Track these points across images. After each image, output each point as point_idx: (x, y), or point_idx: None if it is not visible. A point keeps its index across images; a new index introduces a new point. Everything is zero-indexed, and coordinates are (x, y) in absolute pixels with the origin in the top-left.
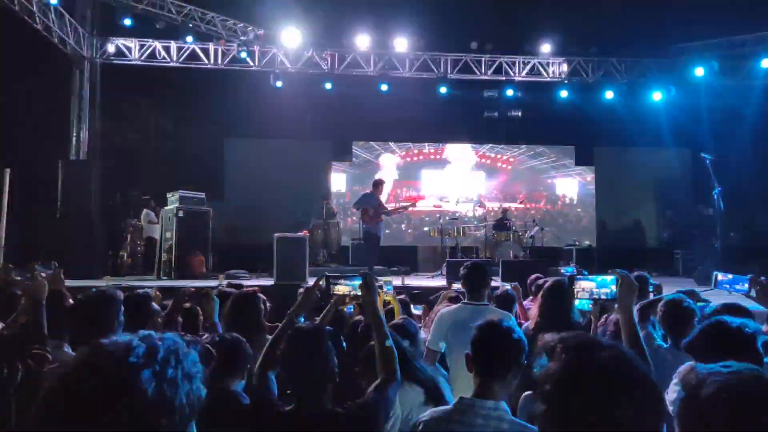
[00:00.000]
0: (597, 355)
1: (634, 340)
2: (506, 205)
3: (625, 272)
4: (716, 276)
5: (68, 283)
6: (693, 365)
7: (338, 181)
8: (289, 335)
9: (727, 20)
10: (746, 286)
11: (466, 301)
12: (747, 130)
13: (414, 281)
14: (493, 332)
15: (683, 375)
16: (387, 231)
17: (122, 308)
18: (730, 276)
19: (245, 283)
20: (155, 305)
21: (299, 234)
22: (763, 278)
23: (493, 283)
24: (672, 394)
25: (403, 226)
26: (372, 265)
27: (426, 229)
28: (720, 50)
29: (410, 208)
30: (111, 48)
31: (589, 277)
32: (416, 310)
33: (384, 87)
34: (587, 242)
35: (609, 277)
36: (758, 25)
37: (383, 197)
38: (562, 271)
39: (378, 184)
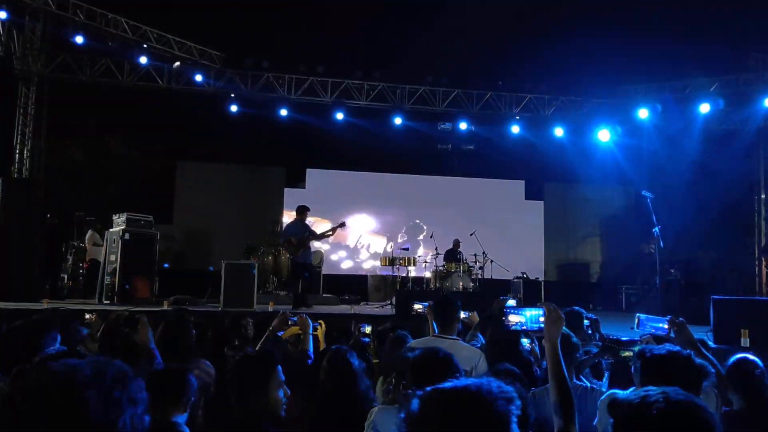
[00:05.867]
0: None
1: (557, 371)
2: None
3: (553, 305)
4: (638, 318)
5: (5, 305)
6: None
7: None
8: (239, 361)
9: (669, 65)
10: (665, 326)
11: (437, 334)
12: (685, 170)
13: (363, 310)
14: (437, 366)
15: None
16: (334, 258)
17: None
18: (650, 316)
19: (192, 308)
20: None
21: (248, 260)
22: (680, 319)
23: None
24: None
25: (361, 254)
26: (305, 294)
27: (375, 258)
28: (662, 93)
29: (339, 229)
30: (61, 64)
31: (519, 310)
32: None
33: (339, 115)
34: (535, 276)
35: (538, 311)
36: (697, 71)
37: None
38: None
39: (302, 211)
